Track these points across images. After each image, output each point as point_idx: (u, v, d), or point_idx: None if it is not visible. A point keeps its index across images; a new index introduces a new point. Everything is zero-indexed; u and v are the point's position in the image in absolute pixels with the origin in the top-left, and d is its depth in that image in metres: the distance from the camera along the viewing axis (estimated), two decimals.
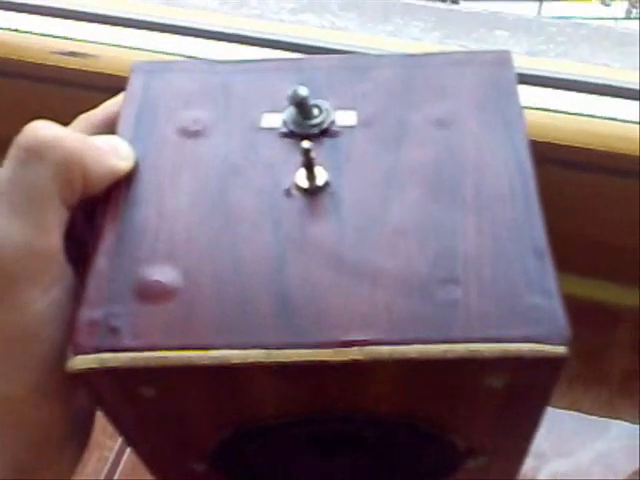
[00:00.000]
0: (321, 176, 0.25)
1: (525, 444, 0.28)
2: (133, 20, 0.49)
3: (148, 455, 0.29)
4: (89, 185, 0.24)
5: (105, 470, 0.57)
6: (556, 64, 0.46)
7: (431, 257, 0.23)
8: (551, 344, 0.21)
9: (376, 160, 0.26)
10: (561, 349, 0.21)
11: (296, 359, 0.22)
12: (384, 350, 0.22)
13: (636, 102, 0.45)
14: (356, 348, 0.22)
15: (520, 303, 0.22)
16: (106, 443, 0.58)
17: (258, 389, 0.24)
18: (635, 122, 0.44)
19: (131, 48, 0.48)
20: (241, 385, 0.23)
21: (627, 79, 0.45)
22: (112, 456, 0.57)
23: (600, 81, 0.45)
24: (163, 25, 0.49)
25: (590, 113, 0.44)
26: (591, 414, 0.55)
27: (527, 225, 0.24)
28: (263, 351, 0.22)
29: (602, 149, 0.44)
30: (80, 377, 0.22)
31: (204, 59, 0.30)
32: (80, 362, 0.22)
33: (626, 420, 0.55)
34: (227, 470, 0.30)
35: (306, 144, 0.24)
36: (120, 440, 0.57)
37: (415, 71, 0.28)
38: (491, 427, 0.26)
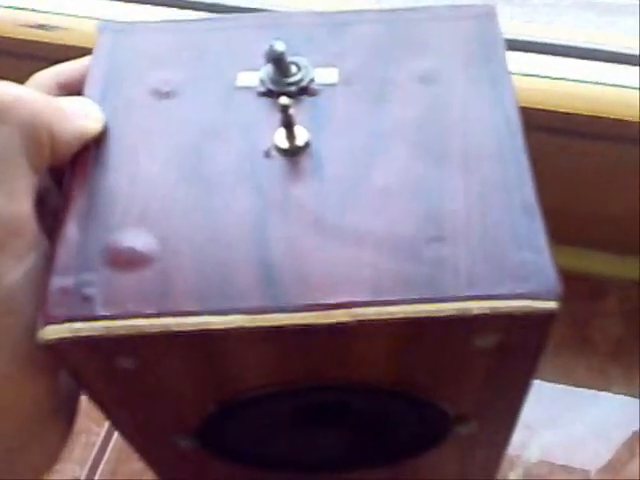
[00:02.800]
0: (301, 136, 0.24)
1: (515, 409, 0.27)
2: None
3: (131, 432, 0.28)
4: (57, 148, 0.23)
5: (92, 455, 0.56)
6: (542, 29, 0.45)
7: (418, 217, 0.22)
8: (541, 299, 0.20)
9: (359, 119, 0.25)
10: (551, 304, 0.20)
11: (280, 323, 0.21)
12: (371, 311, 0.21)
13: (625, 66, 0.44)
14: (342, 310, 0.21)
15: (509, 260, 0.21)
16: (92, 428, 0.57)
17: (241, 358, 0.23)
18: (622, 86, 0.43)
19: (102, 20, 0.46)
20: (223, 354, 0.22)
21: (612, 42, 0.44)
22: (99, 441, 0.57)
23: (586, 45, 0.44)
24: None
25: (576, 78, 0.44)
26: (582, 385, 0.55)
27: (516, 183, 0.23)
28: (246, 316, 0.21)
29: (588, 114, 0.43)
30: (54, 349, 0.21)
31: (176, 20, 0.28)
32: (51, 332, 0.21)
33: (617, 390, 0.55)
34: (212, 445, 0.29)
35: (284, 100, 0.23)
36: (107, 425, 0.57)
37: (397, 26, 0.27)
38: (481, 391, 0.25)
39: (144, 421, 0.27)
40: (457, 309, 0.20)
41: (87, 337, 0.21)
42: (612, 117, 0.43)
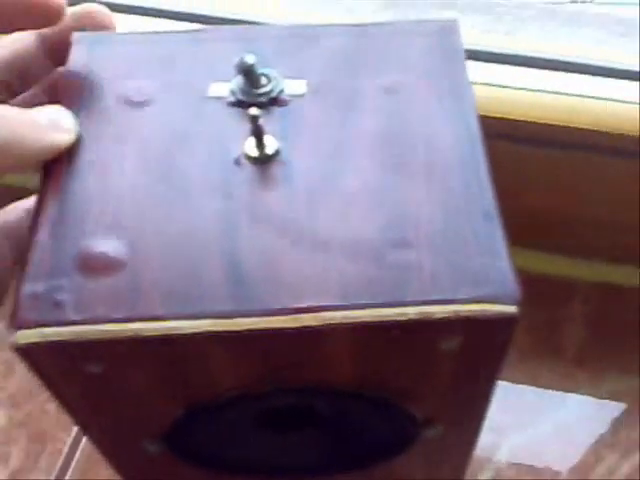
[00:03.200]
0: (271, 145, 0.25)
1: (480, 411, 0.28)
2: None
3: (99, 437, 0.29)
4: (26, 159, 0.23)
5: (59, 464, 0.56)
6: (504, 40, 0.46)
7: (382, 222, 0.23)
8: (501, 303, 0.21)
9: (326, 128, 0.26)
10: (511, 308, 0.21)
11: (248, 327, 0.21)
12: (337, 315, 0.21)
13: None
14: (310, 314, 0.21)
15: (470, 265, 0.22)
16: (59, 435, 0.57)
17: (210, 362, 0.23)
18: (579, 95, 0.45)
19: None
20: (192, 358, 0.23)
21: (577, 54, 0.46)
22: (66, 449, 0.56)
23: (549, 57, 0.46)
24: None
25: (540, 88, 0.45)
26: (548, 387, 0.56)
27: (476, 191, 0.24)
28: (214, 320, 0.21)
29: (549, 123, 0.44)
30: (24, 353, 0.21)
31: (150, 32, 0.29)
32: (22, 337, 0.21)
33: (583, 392, 0.56)
34: (181, 451, 0.29)
35: (254, 111, 0.24)
36: (74, 433, 0.56)
37: (364, 40, 0.28)
38: (447, 393, 0.26)
39: (112, 425, 0.28)
40: (420, 313, 0.21)
41: (57, 342, 0.21)
42: (567, 125, 0.44)
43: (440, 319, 0.21)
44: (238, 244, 0.23)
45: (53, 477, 0.56)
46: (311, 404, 0.28)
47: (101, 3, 0.28)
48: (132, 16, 0.47)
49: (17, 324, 0.21)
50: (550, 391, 0.56)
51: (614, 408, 0.54)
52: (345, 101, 0.26)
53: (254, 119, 0.24)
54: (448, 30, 0.28)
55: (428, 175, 0.24)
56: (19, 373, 0.57)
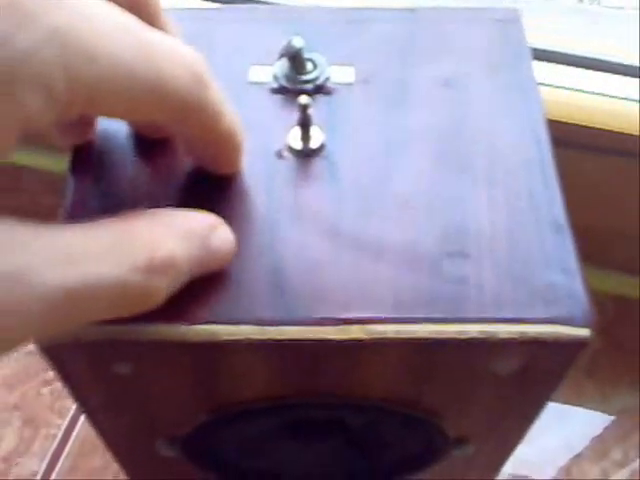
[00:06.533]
0: (317, 137, 0.23)
1: (520, 433, 0.26)
2: None
3: (113, 438, 0.27)
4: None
5: (52, 448, 0.54)
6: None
7: (439, 230, 0.21)
8: (575, 325, 0.19)
9: (376, 122, 0.24)
10: (585, 331, 0.19)
11: (292, 337, 0.20)
12: (389, 329, 0.20)
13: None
14: (358, 326, 0.20)
15: (538, 281, 0.20)
16: (54, 420, 0.55)
17: (244, 369, 0.21)
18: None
19: None
20: (226, 364, 0.21)
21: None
22: (60, 434, 0.55)
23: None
24: None
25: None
26: (555, 400, 0.55)
27: (544, 198, 0.22)
28: (256, 327, 0.19)
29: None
30: (50, 352, 0.20)
31: (188, 8, 0.27)
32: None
33: (590, 406, 0.55)
34: (197, 457, 0.28)
35: (304, 99, 0.22)
36: (69, 418, 0.55)
37: (418, 26, 0.26)
38: (489, 415, 0.24)
39: (130, 428, 0.26)
40: (482, 331, 0.19)
41: (87, 342, 0.19)
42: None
43: (504, 339, 0.19)
44: (280, 246, 0.21)
45: (46, 462, 0.54)
46: (339, 416, 0.26)
47: None
48: None
49: None
50: (556, 404, 0.55)
51: (623, 424, 0.53)
52: (397, 92, 0.24)
53: (304, 109, 0.22)
54: (510, 19, 0.26)
55: (489, 178, 0.22)
56: (14, 355, 0.55)
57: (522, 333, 0.19)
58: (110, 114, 0.18)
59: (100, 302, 0.17)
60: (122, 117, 0.19)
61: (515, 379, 0.21)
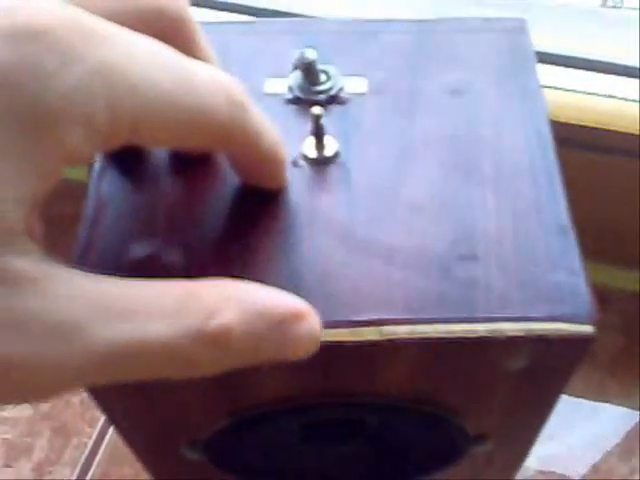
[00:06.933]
0: (331, 146, 0.24)
1: (536, 428, 0.27)
2: None
3: (139, 443, 0.28)
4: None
5: (83, 457, 0.55)
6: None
7: (449, 234, 0.22)
8: (577, 323, 0.20)
9: (388, 130, 0.24)
10: (588, 328, 0.20)
11: None
12: (402, 330, 0.20)
13: None
14: (372, 328, 0.20)
15: (543, 281, 0.21)
16: (84, 430, 0.56)
17: (261, 371, 0.22)
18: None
19: None
20: (245, 369, 0.22)
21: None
22: (91, 443, 0.56)
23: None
24: None
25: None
26: (581, 397, 0.55)
27: (549, 202, 0.22)
28: None
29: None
30: None
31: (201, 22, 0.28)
32: None
33: (615, 402, 0.54)
34: (221, 459, 0.28)
35: (317, 110, 0.23)
36: (99, 427, 0.56)
37: (427, 37, 0.26)
38: (505, 411, 0.25)
39: (153, 433, 0.27)
40: (490, 330, 0.20)
41: None
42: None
43: (511, 337, 0.20)
44: (295, 250, 0.22)
45: (77, 471, 0.55)
46: (360, 416, 0.27)
47: None
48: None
49: None
50: (582, 400, 0.55)
51: None
52: (408, 101, 0.25)
53: (317, 119, 0.23)
54: (517, 29, 0.26)
55: (497, 183, 0.23)
56: None
57: (528, 330, 0.20)
58: (153, 144, 0.19)
59: (145, 362, 0.16)
60: (165, 145, 0.20)
61: (526, 375, 0.22)
